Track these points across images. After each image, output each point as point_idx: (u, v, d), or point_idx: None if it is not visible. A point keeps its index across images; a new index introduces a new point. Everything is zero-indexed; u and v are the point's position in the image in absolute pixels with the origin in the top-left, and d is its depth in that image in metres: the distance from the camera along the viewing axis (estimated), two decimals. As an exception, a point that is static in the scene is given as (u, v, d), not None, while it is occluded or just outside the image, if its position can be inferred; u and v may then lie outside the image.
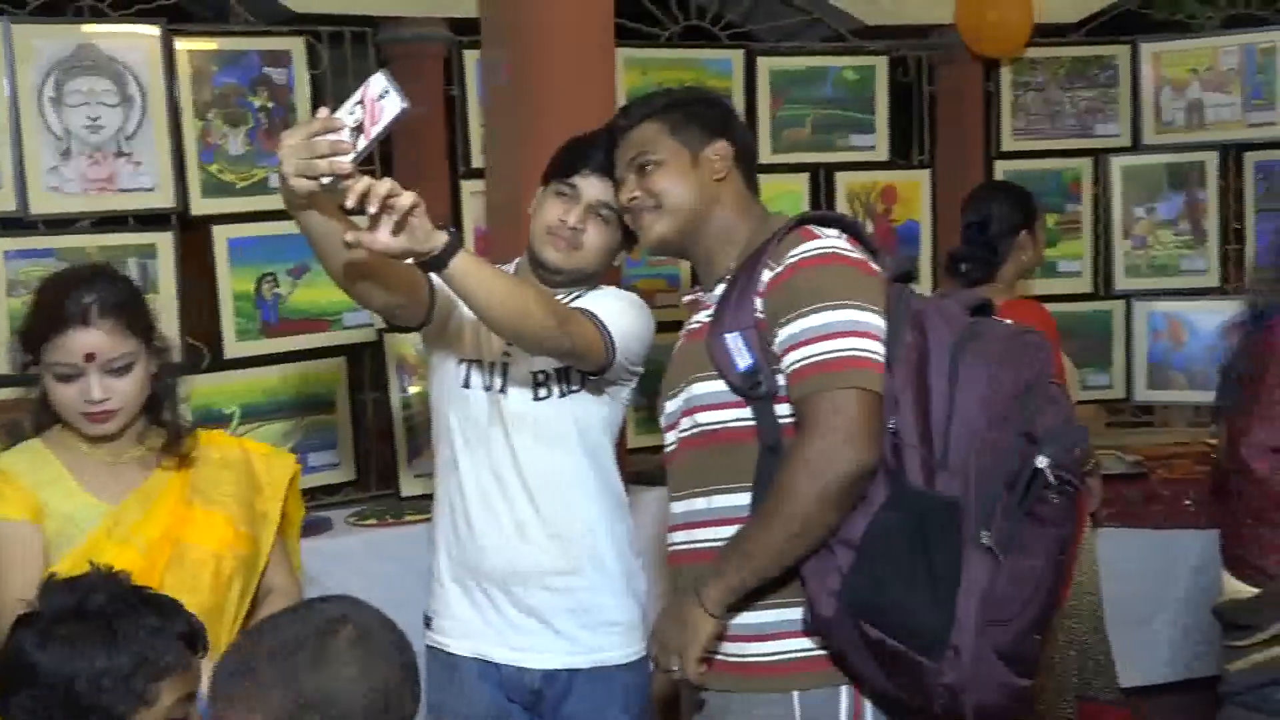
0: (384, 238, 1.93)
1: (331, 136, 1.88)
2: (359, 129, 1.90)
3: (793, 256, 1.99)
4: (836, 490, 1.86)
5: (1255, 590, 1.48)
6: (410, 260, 2.00)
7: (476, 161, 3.79)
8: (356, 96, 1.92)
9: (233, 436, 2.35)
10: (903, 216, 4.60)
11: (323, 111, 1.94)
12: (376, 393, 3.78)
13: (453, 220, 3.92)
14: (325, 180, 1.89)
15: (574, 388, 2.39)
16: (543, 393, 2.38)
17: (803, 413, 1.93)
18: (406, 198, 1.91)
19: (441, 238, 1.98)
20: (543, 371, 2.37)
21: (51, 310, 2.06)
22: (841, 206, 4.50)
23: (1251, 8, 4.75)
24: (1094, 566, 3.66)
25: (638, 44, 4.20)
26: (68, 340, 2.02)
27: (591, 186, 2.33)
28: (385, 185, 1.90)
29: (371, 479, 3.83)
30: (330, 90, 3.62)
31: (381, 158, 4.00)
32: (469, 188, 3.85)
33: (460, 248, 2.02)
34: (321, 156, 1.87)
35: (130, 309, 2.10)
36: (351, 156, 1.89)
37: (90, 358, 2.02)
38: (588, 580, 2.40)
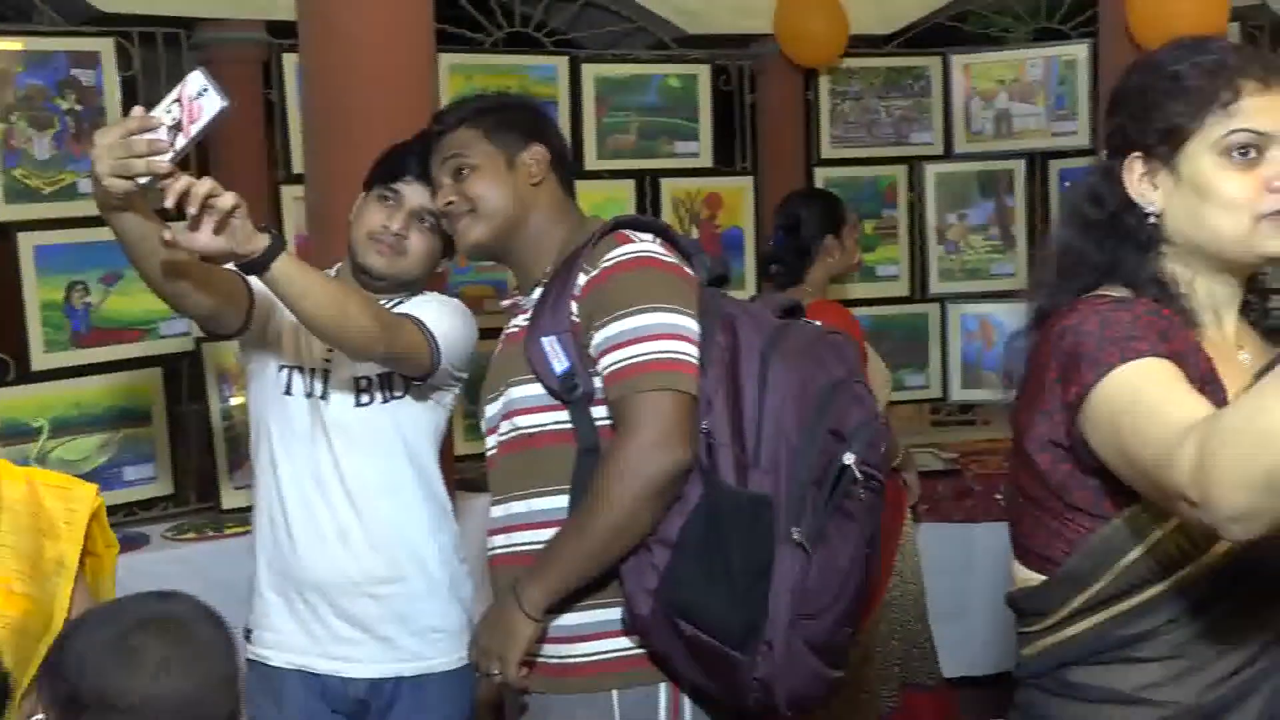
0: (204, 239, 1.88)
1: (148, 135, 1.82)
2: (177, 127, 1.84)
3: (608, 261, 2.00)
4: (653, 490, 1.87)
5: (1043, 578, 1.53)
6: (231, 264, 1.97)
7: (297, 167, 3.72)
8: (174, 94, 1.86)
9: (18, 467, 1.96)
10: (727, 223, 4.67)
11: (137, 110, 1.87)
12: (195, 404, 3.68)
13: (274, 227, 3.84)
14: (143, 180, 1.84)
15: (397, 394, 2.36)
16: (365, 399, 2.35)
17: (619, 414, 1.94)
18: (228, 198, 1.87)
19: (264, 240, 1.94)
20: (365, 377, 2.34)
21: None
22: (667, 212, 4.54)
23: (1055, 22, 4.94)
24: (915, 559, 3.77)
25: (461, 50, 4.18)
26: None
27: (414, 193, 2.31)
28: (206, 185, 1.86)
29: (190, 492, 3.73)
30: (143, 93, 3.51)
31: (198, 162, 3.90)
32: (289, 193, 3.78)
33: (283, 250, 1.98)
34: (138, 156, 1.81)
35: None
36: (170, 156, 1.83)
37: None
38: (411, 588, 2.37)
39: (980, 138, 4.90)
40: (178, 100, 1.85)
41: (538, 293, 2.09)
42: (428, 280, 2.47)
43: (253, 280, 2.06)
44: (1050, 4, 4.92)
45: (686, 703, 1.98)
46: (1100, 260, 1.57)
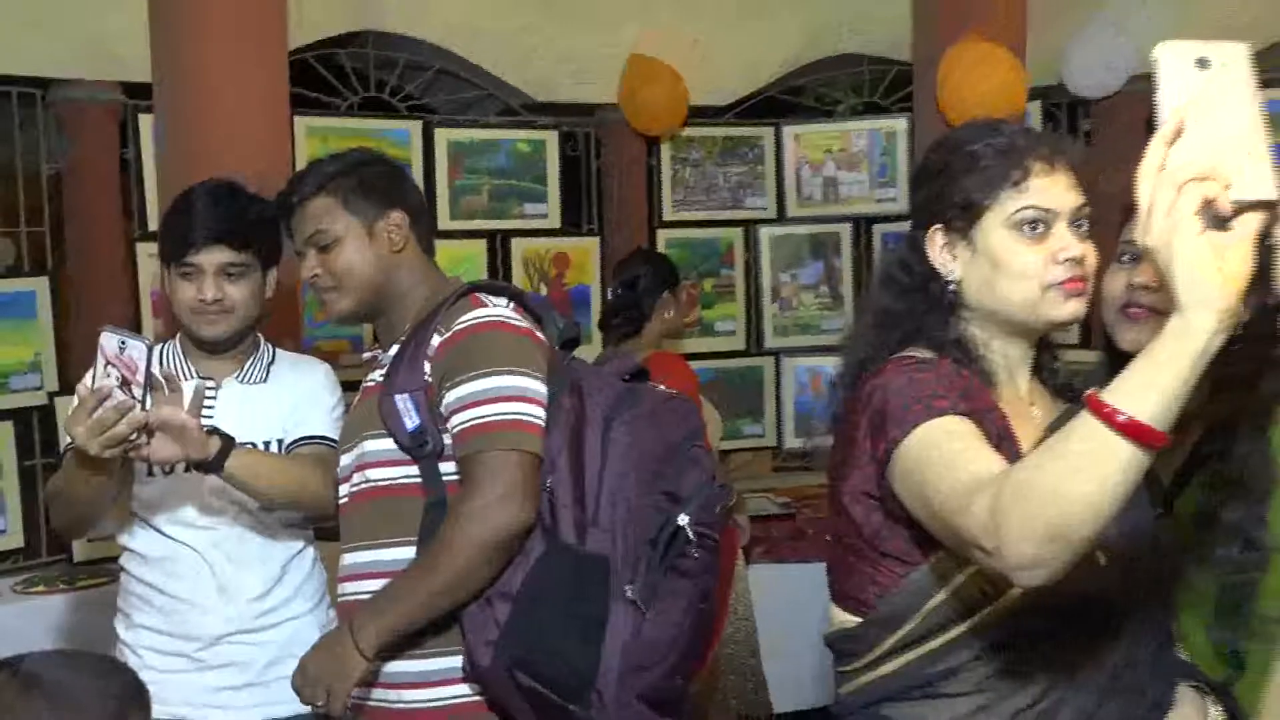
0: (167, 451, 2.05)
1: (111, 402, 1.94)
2: (125, 383, 1.95)
3: (461, 323, 2.00)
4: (494, 544, 1.88)
5: (858, 619, 1.57)
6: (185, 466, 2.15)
7: (153, 224, 3.63)
8: (99, 364, 1.96)
9: None
10: (575, 280, 4.71)
11: (82, 389, 1.99)
12: (47, 457, 3.55)
13: (129, 282, 3.75)
14: (132, 437, 1.98)
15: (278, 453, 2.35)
16: None
17: (466, 471, 1.94)
18: (183, 416, 2.04)
19: (215, 443, 2.09)
20: (249, 442, 2.29)
21: None
22: (517, 270, 4.57)
23: (877, 98, 5.10)
24: (748, 598, 3.82)
25: (317, 114, 4.15)
26: None
27: (211, 257, 2.26)
28: (167, 411, 2.02)
29: (42, 546, 3.58)
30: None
31: (53, 218, 3.79)
32: (145, 249, 3.69)
33: (233, 448, 2.11)
34: (114, 423, 1.94)
35: None
36: (138, 408, 1.96)
37: None
38: (284, 634, 2.32)
39: (810, 203, 5.03)
40: (108, 363, 1.96)
41: (395, 349, 2.08)
42: (264, 311, 2.39)
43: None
44: (873, 81, 5.08)
45: (525, 748, 1.99)
46: (909, 323, 1.60)
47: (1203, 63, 1.19)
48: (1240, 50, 1.20)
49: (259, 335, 2.43)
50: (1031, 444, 1.49)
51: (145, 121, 3.67)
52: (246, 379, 2.37)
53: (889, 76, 4.96)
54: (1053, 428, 1.52)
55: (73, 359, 3.58)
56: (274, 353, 2.44)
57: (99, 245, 3.81)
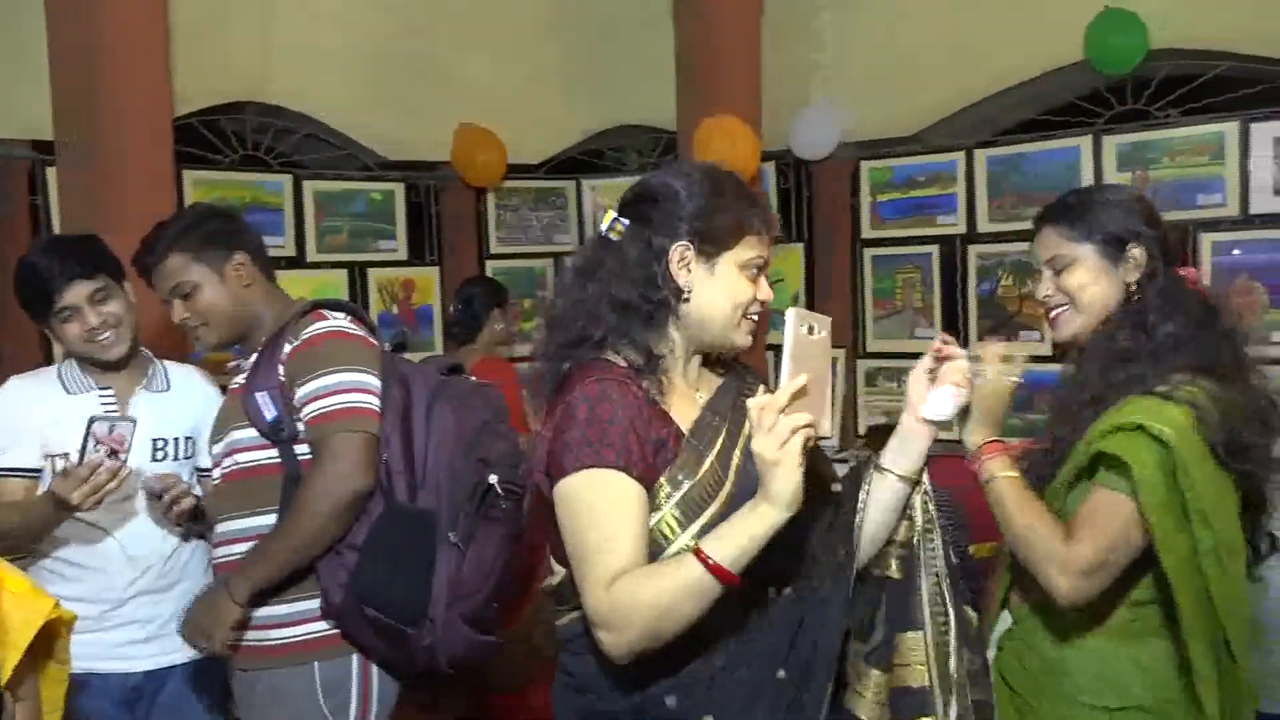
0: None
1: (105, 471, 1.90)
2: (113, 453, 1.92)
3: (308, 333, 1.97)
4: (341, 507, 1.85)
5: (563, 573, 1.48)
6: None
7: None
8: (91, 443, 1.92)
9: None
10: (420, 301, 4.65)
11: (69, 464, 1.95)
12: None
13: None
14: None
15: (189, 454, 2.25)
16: (160, 455, 2.20)
17: (316, 450, 1.90)
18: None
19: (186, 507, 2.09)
20: (162, 438, 2.20)
21: None
22: (374, 294, 4.49)
23: (655, 158, 5.17)
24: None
25: (203, 168, 3.99)
26: None
27: (75, 291, 2.12)
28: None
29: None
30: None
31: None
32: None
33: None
34: (105, 484, 1.92)
35: None
36: (126, 471, 1.95)
37: None
38: (181, 591, 2.22)
39: (605, 239, 5.06)
40: (98, 442, 1.92)
41: (254, 357, 2.03)
42: (137, 323, 2.25)
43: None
44: (650, 145, 5.16)
45: (374, 669, 1.96)
46: (620, 323, 1.46)
47: (811, 329, 1.35)
48: (828, 320, 1.38)
49: (145, 350, 2.31)
50: (690, 423, 1.45)
51: (52, 174, 3.44)
52: (154, 387, 2.26)
53: (663, 142, 5.04)
54: (711, 406, 1.49)
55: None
56: (162, 363, 2.33)
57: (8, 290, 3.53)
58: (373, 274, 4.49)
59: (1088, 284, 1.68)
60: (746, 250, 1.47)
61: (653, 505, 1.38)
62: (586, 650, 1.44)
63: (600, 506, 1.36)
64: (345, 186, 4.45)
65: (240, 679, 1.98)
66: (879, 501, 1.51)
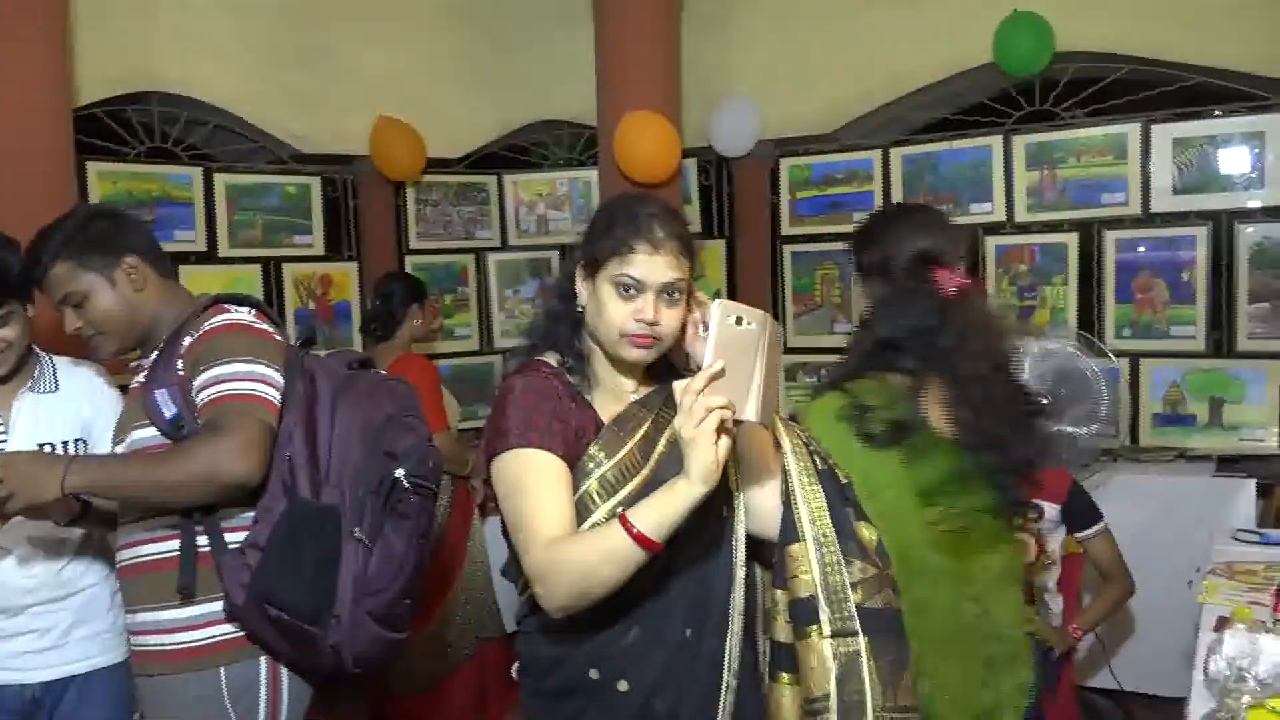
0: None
1: None
2: None
3: (208, 325, 1.90)
4: (216, 484, 1.75)
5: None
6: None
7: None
8: None
9: None
10: (338, 297, 4.56)
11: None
12: None
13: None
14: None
15: (80, 452, 2.15)
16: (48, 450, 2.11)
17: (208, 425, 1.78)
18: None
19: (73, 505, 1.90)
20: (49, 443, 2.10)
21: None
22: (289, 290, 4.38)
23: (576, 154, 5.16)
24: (483, 543, 3.78)
25: (107, 160, 3.84)
26: None
27: None
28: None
29: None
30: None
31: None
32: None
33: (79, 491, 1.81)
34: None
35: None
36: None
37: None
38: (80, 599, 2.15)
39: (527, 235, 5.04)
40: None
41: (154, 355, 1.95)
42: (27, 339, 2.17)
43: None
44: (571, 141, 5.14)
45: (283, 671, 1.89)
46: (550, 330, 1.65)
47: (740, 320, 1.39)
48: (762, 315, 1.41)
49: (35, 350, 2.21)
50: (611, 415, 1.60)
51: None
52: (39, 389, 2.16)
53: (584, 137, 5.02)
54: (641, 401, 1.63)
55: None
56: (53, 361, 2.23)
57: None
58: (288, 269, 4.39)
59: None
60: (619, 267, 1.54)
61: (582, 476, 1.54)
62: (533, 629, 1.61)
63: (528, 480, 1.52)
64: (258, 180, 4.34)
65: (144, 684, 1.90)
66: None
